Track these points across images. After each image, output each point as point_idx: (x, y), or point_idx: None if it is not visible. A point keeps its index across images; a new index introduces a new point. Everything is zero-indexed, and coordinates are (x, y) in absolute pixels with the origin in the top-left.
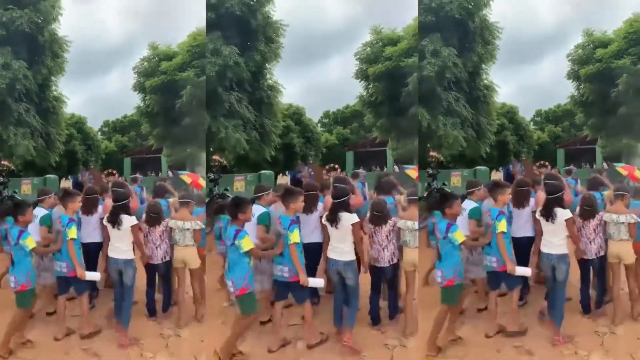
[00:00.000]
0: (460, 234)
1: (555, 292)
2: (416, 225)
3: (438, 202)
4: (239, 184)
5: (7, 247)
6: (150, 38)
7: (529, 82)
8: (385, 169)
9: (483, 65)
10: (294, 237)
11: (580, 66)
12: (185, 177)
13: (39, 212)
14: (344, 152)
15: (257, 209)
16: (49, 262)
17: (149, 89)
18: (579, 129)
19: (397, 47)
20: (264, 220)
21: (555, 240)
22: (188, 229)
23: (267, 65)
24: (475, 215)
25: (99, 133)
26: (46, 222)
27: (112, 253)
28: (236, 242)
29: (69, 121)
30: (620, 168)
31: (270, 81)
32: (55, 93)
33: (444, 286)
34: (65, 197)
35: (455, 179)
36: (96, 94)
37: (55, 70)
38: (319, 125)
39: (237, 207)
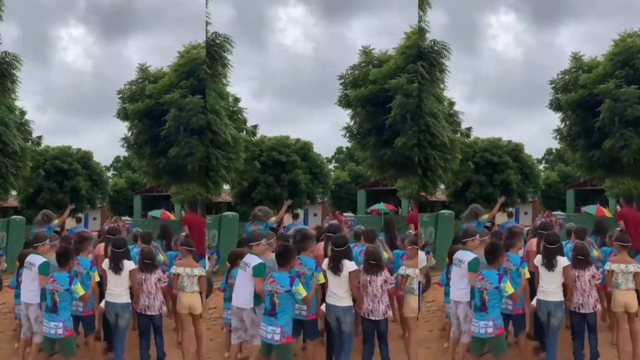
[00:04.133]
0: (509, 286)
1: (549, 337)
2: (417, 272)
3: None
4: None
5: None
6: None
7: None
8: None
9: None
10: (321, 277)
11: (564, 94)
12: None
13: (35, 259)
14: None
15: (251, 259)
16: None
17: (132, 115)
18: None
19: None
20: (260, 273)
21: (551, 287)
22: (195, 276)
23: None
24: (475, 267)
25: (112, 169)
26: (45, 270)
27: (109, 298)
28: (293, 288)
29: (75, 156)
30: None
31: None
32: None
33: (495, 335)
34: (82, 242)
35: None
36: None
37: None
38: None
39: (287, 254)
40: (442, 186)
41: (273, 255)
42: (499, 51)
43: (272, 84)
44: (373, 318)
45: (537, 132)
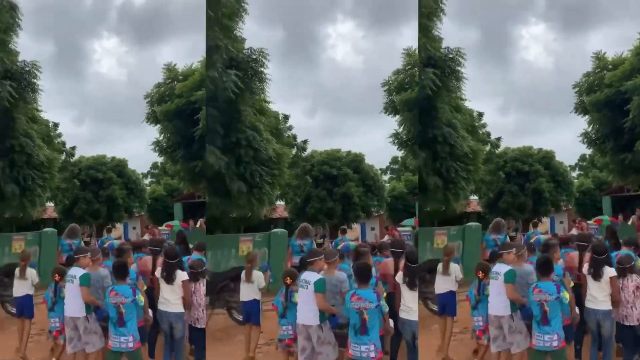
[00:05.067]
0: (567, 294)
1: (604, 345)
2: None
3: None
4: (244, 246)
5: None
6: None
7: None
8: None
9: None
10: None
11: (587, 95)
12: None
13: (76, 272)
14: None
15: (311, 276)
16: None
17: (162, 117)
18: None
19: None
20: (322, 288)
21: (600, 296)
22: None
23: None
24: (512, 278)
25: (149, 176)
26: (86, 282)
27: (162, 307)
28: (381, 302)
29: (109, 164)
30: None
31: None
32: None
33: (560, 348)
34: (122, 254)
35: (440, 239)
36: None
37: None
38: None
39: (368, 271)
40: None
41: (337, 272)
42: (530, 61)
43: (325, 99)
44: (627, 324)
45: (572, 139)
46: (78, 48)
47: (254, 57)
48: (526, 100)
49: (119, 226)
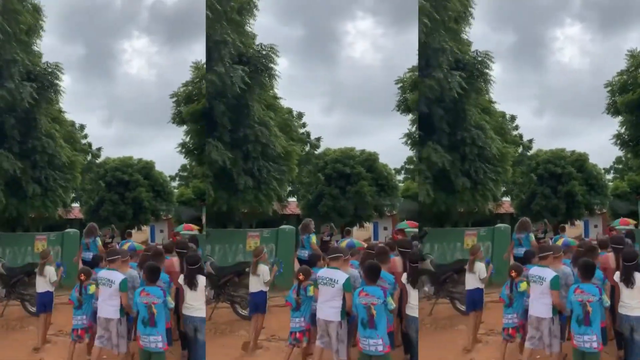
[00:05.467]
0: (606, 297)
1: (633, 353)
2: None
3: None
4: (252, 242)
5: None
6: None
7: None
8: None
9: None
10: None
11: (620, 95)
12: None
13: (113, 275)
14: None
15: (337, 274)
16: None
17: (187, 118)
18: None
19: None
20: (349, 287)
21: (633, 302)
22: None
23: None
24: (558, 285)
25: (177, 178)
26: (126, 287)
27: (187, 312)
28: (387, 299)
29: (136, 166)
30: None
31: None
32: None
33: (599, 350)
34: (157, 256)
35: (470, 240)
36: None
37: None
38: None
39: (377, 270)
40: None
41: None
42: (565, 63)
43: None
44: None
45: (608, 141)
46: (108, 49)
47: (264, 52)
48: (561, 103)
49: (146, 229)
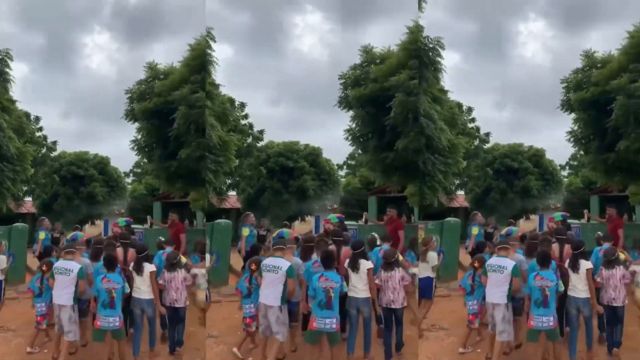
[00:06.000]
0: (562, 282)
1: (573, 328)
2: None
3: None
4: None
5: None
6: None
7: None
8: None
9: None
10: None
11: (575, 93)
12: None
13: (71, 265)
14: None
15: (280, 262)
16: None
17: (139, 116)
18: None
19: None
20: (293, 274)
21: (579, 286)
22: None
23: None
24: (518, 272)
25: (131, 175)
26: (83, 276)
27: (135, 294)
28: (343, 283)
29: (91, 161)
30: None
31: None
32: None
33: (554, 326)
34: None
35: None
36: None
37: None
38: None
39: (333, 258)
40: (461, 192)
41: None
42: (528, 58)
43: (289, 90)
44: (393, 307)
45: (564, 138)
46: (69, 41)
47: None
48: (522, 97)
49: (99, 223)
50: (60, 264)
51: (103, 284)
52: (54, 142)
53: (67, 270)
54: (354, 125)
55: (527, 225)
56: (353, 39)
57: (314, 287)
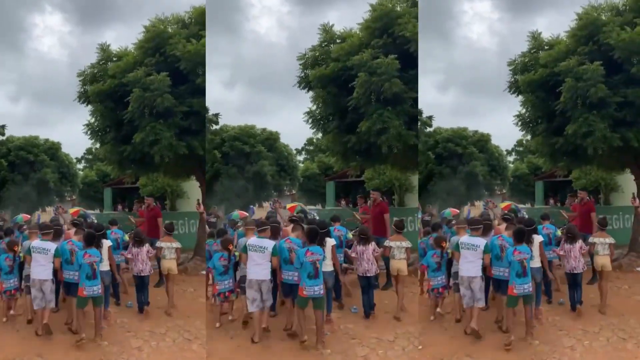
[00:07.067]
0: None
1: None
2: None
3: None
4: None
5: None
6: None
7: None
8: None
9: None
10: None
11: (522, 75)
12: None
13: (47, 245)
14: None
15: (265, 242)
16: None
17: (93, 98)
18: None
19: None
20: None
21: (534, 257)
22: (173, 248)
23: None
24: (489, 249)
25: (82, 161)
26: (58, 254)
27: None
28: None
29: (42, 147)
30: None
31: None
32: None
33: (532, 291)
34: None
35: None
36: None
37: None
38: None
39: (318, 233)
40: None
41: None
42: (473, 40)
43: (245, 72)
44: (369, 275)
45: (511, 123)
46: (19, 20)
47: None
48: (467, 80)
49: (50, 209)
50: (38, 243)
51: (85, 258)
52: (3, 126)
53: (45, 249)
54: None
55: (473, 211)
56: (310, 21)
57: (302, 261)
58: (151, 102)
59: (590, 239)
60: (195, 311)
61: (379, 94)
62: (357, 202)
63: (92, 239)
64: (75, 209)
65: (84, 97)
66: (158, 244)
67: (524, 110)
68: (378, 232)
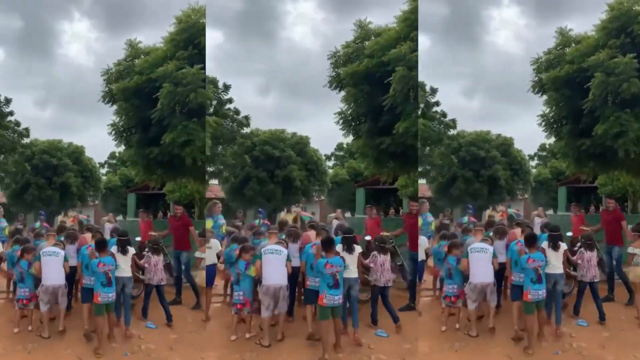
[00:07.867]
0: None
1: (556, 300)
2: None
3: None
4: None
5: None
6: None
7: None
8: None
9: None
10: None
11: (546, 72)
12: None
13: (57, 250)
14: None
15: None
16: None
17: (119, 95)
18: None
19: None
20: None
21: (557, 263)
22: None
23: None
24: (495, 254)
25: (106, 165)
26: (67, 258)
27: (117, 273)
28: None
29: (65, 150)
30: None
31: None
32: None
33: (545, 298)
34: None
35: None
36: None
37: None
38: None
39: (334, 243)
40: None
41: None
42: (499, 45)
43: (279, 79)
44: (586, 280)
45: (534, 128)
46: (47, 27)
47: None
48: (494, 85)
49: (72, 214)
50: (49, 249)
51: (100, 267)
52: (27, 129)
53: (56, 253)
54: (547, 110)
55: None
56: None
57: (322, 273)
58: (183, 98)
59: (630, 249)
60: None
61: (616, 95)
62: (388, 210)
63: (103, 245)
64: (74, 214)
65: (109, 97)
66: (198, 254)
67: (547, 110)
68: (613, 240)
